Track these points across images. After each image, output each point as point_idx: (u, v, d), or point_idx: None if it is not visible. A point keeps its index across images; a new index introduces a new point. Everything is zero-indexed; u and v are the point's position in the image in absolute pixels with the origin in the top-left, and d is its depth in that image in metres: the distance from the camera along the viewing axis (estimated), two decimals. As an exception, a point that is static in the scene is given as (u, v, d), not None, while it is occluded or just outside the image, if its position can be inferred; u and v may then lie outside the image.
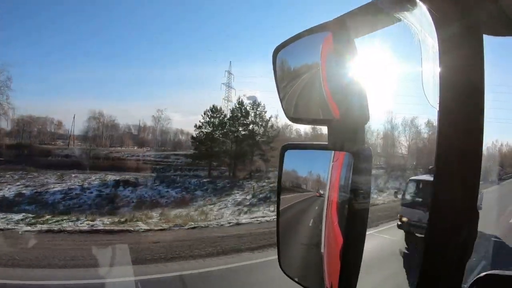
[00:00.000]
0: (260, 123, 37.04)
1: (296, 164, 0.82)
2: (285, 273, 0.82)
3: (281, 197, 0.84)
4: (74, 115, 38.72)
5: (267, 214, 17.08)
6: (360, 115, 0.71)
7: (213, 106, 37.04)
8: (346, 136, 0.72)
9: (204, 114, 36.31)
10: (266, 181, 30.88)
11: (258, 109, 37.29)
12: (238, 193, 27.94)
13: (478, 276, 1.06)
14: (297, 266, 0.81)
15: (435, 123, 0.75)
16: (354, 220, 0.68)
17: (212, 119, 36.57)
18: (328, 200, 0.72)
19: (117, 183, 28.60)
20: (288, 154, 0.83)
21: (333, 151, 0.73)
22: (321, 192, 0.75)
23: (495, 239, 9.41)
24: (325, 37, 0.75)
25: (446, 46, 0.73)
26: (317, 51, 0.76)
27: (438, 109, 0.74)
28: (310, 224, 0.77)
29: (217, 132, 36.44)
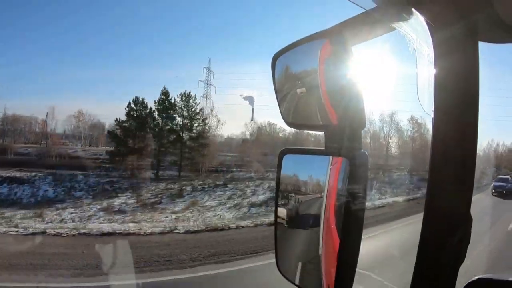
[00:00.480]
0: (188, 118, 33.41)
1: (294, 169, 0.84)
2: (283, 275, 0.83)
3: (279, 200, 0.85)
4: (47, 113, 36.74)
5: (125, 225, 14.05)
6: (357, 121, 0.73)
7: (136, 98, 32.24)
8: (344, 141, 0.74)
9: (128, 107, 31.75)
10: (177, 183, 27.32)
11: (189, 102, 32.84)
12: (126, 196, 24.00)
13: (470, 280, 1.07)
14: (295, 268, 0.82)
15: (429, 128, 0.77)
16: (351, 223, 0.69)
17: (133, 112, 31.80)
18: (326, 203, 0.73)
19: (3, 180, 25.93)
20: (286, 158, 0.84)
21: (330, 156, 0.75)
22: (312, 196, 0.77)
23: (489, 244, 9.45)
24: (323, 44, 0.76)
25: (441, 53, 0.75)
26: (315, 58, 0.77)
27: (432, 116, 0.76)
28: (306, 228, 0.79)
29: (139, 127, 32.45)
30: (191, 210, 20.27)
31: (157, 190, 25.81)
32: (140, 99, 32.18)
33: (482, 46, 0.79)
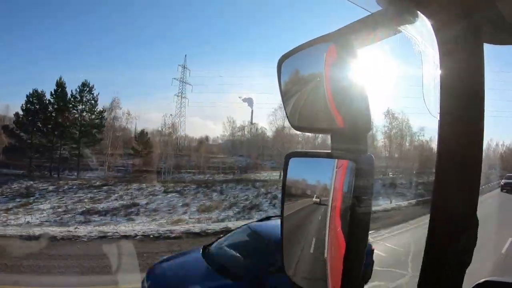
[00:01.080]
0: (86, 111, 30.94)
1: (300, 172, 0.84)
2: (290, 278, 0.83)
3: (285, 204, 0.85)
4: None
5: None
6: (363, 124, 0.73)
7: (34, 90, 29.80)
8: (349, 144, 0.74)
9: (27, 99, 29.59)
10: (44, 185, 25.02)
11: (87, 95, 30.38)
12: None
13: (477, 283, 1.07)
14: (301, 272, 0.82)
15: (435, 131, 0.77)
16: (356, 226, 0.69)
17: (29, 105, 29.57)
18: (331, 206, 0.73)
19: None
20: (292, 162, 0.84)
21: (336, 159, 0.75)
22: (318, 199, 0.77)
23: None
24: (328, 48, 0.77)
25: (446, 54, 0.75)
26: (321, 61, 0.77)
27: (438, 118, 0.76)
28: (312, 232, 0.79)
29: (33, 122, 29.94)
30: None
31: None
32: (40, 91, 29.87)
33: (487, 48, 0.79)
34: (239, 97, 37.16)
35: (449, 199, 0.76)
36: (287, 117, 0.87)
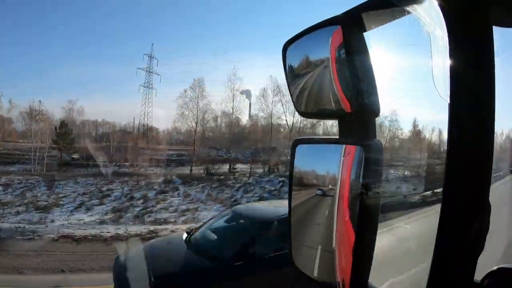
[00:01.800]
0: None
1: (307, 159, 0.82)
2: (298, 268, 0.82)
3: (292, 193, 0.84)
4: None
5: None
6: (371, 109, 0.72)
7: None
8: (358, 129, 0.73)
9: None
10: None
11: None
12: None
13: (490, 270, 1.05)
14: (309, 261, 0.82)
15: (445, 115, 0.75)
16: (366, 215, 0.68)
17: None
18: (339, 194, 0.72)
19: None
20: (299, 149, 0.83)
21: (344, 145, 0.73)
22: (323, 188, 0.76)
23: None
24: (334, 31, 0.75)
25: (455, 37, 0.72)
26: (327, 45, 0.76)
27: (449, 101, 0.74)
28: (319, 220, 0.77)
29: None
30: None
31: None
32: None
33: (496, 31, 0.76)
34: (236, 90, 35.50)
35: (460, 184, 0.75)
36: (293, 103, 0.86)
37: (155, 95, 38.45)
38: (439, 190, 0.76)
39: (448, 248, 0.76)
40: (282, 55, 0.87)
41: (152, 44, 38.81)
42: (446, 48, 0.74)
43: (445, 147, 0.74)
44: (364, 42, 0.73)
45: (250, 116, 38.32)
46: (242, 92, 35.81)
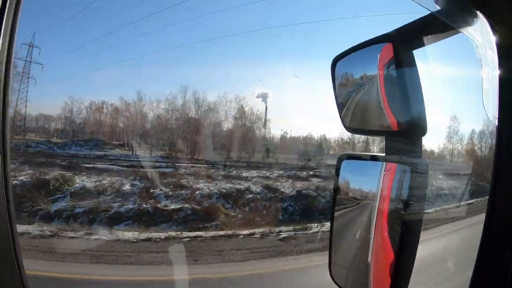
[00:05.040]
0: None
1: (352, 174, 0.83)
2: (334, 281, 0.82)
3: (336, 206, 0.84)
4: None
5: None
6: (418, 127, 0.71)
7: None
8: (404, 148, 0.73)
9: None
10: None
11: None
12: None
13: None
14: (346, 275, 0.82)
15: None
16: (408, 233, 0.67)
17: None
18: (378, 209, 0.72)
19: None
20: (345, 164, 0.83)
21: (387, 162, 0.74)
22: (359, 204, 0.76)
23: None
24: (383, 48, 0.75)
25: (505, 57, 0.72)
26: (375, 62, 0.76)
27: (496, 123, 0.74)
28: (358, 234, 0.77)
29: None
30: None
31: None
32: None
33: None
34: (252, 94, 32.56)
35: (506, 200, 0.75)
36: (340, 118, 0.87)
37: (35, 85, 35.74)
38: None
39: (490, 264, 0.75)
40: (331, 70, 0.88)
41: (34, 33, 36.91)
42: (496, 68, 0.74)
43: (483, 161, 0.74)
44: (414, 59, 0.73)
45: (265, 123, 35.81)
46: (258, 96, 33.11)
